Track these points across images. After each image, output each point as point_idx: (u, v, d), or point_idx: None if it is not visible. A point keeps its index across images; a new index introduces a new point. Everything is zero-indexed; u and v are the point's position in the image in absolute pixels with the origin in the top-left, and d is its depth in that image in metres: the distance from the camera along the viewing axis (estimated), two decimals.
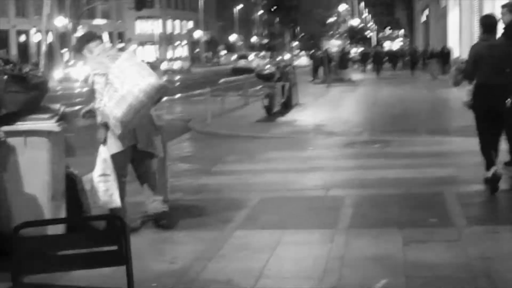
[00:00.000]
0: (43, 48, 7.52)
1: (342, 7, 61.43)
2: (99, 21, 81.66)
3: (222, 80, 22.09)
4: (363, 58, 50.55)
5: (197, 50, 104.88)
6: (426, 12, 55.77)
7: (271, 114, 18.82)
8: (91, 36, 7.23)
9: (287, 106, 20.70)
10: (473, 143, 8.49)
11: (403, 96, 25.16)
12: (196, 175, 10.33)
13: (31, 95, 6.46)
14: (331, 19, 35.99)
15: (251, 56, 63.60)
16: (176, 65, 67.76)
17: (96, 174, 6.84)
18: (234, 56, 69.40)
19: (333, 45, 42.71)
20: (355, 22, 73.71)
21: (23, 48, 67.84)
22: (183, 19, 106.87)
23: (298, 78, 41.29)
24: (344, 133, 14.55)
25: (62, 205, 6.72)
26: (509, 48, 7.92)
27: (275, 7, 25.67)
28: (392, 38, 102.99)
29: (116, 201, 6.84)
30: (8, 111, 6.36)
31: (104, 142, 6.85)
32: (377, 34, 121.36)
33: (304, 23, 40.75)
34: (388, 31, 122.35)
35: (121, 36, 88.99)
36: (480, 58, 7.99)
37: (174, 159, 11.69)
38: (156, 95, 6.71)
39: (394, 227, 6.80)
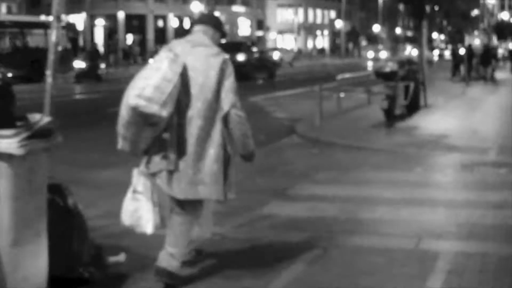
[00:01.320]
0: (53, 39, 6.01)
1: (490, 1, 57.48)
2: (238, 8, 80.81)
3: (339, 77, 19.88)
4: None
5: (338, 41, 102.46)
6: None
7: (390, 119, 16.54)
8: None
9: (412, 108, 18.31)
10: None
11: None
12: (264, 198, 8.30)
13: None
14: (476, 12, 32.80)
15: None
16: (275, 56, 58.48)
17: (130, 189, 5.48)
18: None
19: (477, 40, 39.48)
20: (504, 16, 69.15)
21: (161, 34, 67.98)
22: (325, 8, 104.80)
23: (437, 75, 38.88)
24: (467, 149, 12.10)
25: (35, 252, 4.94)
26: None
27: None
28: None
29: (145, 227, 5.40)
30: None
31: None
32: None
33: (444, 15, 37.71)
34: None
35: (260, 24, 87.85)
36: None
37: (252, 172, 9.77)
38: (131, 113, 5.09)
39: None
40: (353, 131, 14.86)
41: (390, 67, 17.06)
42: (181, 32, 69.39)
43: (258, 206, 7.84)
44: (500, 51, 50.53)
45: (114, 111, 5.57)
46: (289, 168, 10.75)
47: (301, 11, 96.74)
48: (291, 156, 12.21)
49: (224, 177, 5.32)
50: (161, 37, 67.70)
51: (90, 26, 66.78)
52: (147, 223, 5.38)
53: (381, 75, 17.02)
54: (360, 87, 24.28)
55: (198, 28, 5.53)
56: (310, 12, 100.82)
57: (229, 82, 5.31)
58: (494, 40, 56.96)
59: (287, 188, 9.03)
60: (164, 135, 5.27)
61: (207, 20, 5.65)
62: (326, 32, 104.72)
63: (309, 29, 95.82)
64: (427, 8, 22.52)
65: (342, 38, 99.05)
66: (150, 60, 5.50)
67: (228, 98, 5.28)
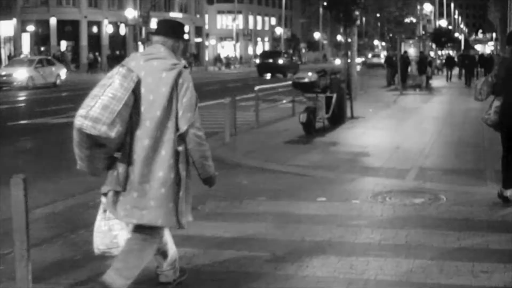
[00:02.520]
0: None
1: (428, 7, 56.79)
2: (175, 15, 79.15)
3: (257, 87, 18.44)
4: (448, 63, 45.29)
5: (278, 47, 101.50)
6: None
7: (309, 133, 15.21)
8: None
9: (335, 121, 17.01)
10: None
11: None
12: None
13: None
14: (411, 19, 31.74)
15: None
16: None
17: (100, 210, 5.22)
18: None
19: (412, 47, 38.63)
20: (442, 23, 68.85)
21: (95, 40, 65.97)
22: (266, 15, 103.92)
23: (372, 83, 37.76)
24: (385, 171, 10.74)
25: None
26: None
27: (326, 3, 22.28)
28: (483, 42, 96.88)
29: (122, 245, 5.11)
30: None
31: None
32: (468, 37, 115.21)
33: (375, 22, 36.48)
34: (480, 34, 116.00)
35: (199, 31, 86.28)
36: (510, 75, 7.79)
37: None
38: (78, 134, 4.73)
39: None
40: (265, 149, 13.42)
41: (308, 77, 15.69)
42: (116, 39, 67.67)
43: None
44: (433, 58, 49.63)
45: None
46: None
47: (240, 17, 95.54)
48: None
49: (176, 201, 4.95)
50: (96, 44, 65.81)
51: (21, 32, 64.39)
52: (124, 242, 5.07)
53: (299, 86, 15.67)
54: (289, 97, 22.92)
55: (156, 39, 5.13)
56: (251, 18, 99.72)
57: (187, 99, 4.91)
58: (433, 47, 56.44)
59: None
60: (115, 154, 4.94)
61: (164, 29, 5.16)
62: (266, 38, 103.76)
63: (249, 36, 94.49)
64: (356, 14, 21.22)
65: (282, 44, 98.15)
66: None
67: (185, 117, 4.90)
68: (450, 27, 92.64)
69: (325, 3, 20.01)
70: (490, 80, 8.13)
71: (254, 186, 9.85)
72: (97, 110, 4.64)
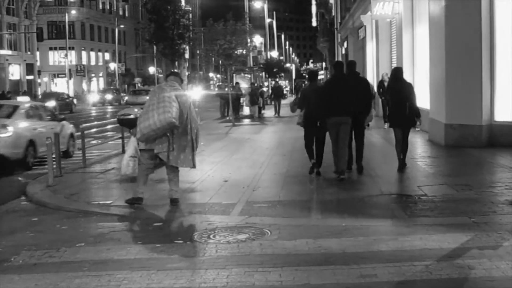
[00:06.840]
0: None
1: (257, 39, 58.07)
2: (4, 52, 76.40)
3: (82, 125, 17.83)
4: (276, 94, 43.86)
5: (114, 82, 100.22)
6: (345, 44, 52.65)
7: None
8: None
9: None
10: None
11: None
12: None
13: None
14: (241, 51, 32.14)
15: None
16: None
17: (128, 154, 12.73)
18: None
19: (244, 79, 39.20)
20: (273, 54, 70.47)
21: None
22: (100, 50, 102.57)
23: (206, 115, 37.88)
24: (210, 207, 10.50)
25: None
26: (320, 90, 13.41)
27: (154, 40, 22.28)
28: None
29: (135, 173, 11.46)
30: None
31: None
32: (299, 66, 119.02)
33: (204, 54, 36.36)
34: (310, 63, 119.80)
35: (30, 68, 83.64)
36: (307, 97, 13.47)
37: None
38: (167, 127, 10.11)
39: None
40: (90, 190, 12.86)
41: (134, 113, 15.34)
42: None
43: None
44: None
45: None
46: None
47: (73, 53, 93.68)
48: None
49: (192, 154, 10.67)
50: None
51: None
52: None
53: (125, 123, 15.24)
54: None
55: (171, 78, 10.83)
56: (84, 54, 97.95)
57: (194, 109, 10.82)
58: (265, 77, 57.48)
59: None
60: (168, 134, 10.30)
61: (176, 74, 11.14)
62: (101, 73, 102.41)
63: (82, 72, 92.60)
64: (183, 47, 21.10)
65: (117, 79, 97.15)
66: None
67: (197, 118, 10.82)
68: (281, 58, 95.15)
69: (151, 39, 19.73)
70: (294, 100, 14.81)
71: (74, 232, 9.32)
72: (174, 114, 9.98)
